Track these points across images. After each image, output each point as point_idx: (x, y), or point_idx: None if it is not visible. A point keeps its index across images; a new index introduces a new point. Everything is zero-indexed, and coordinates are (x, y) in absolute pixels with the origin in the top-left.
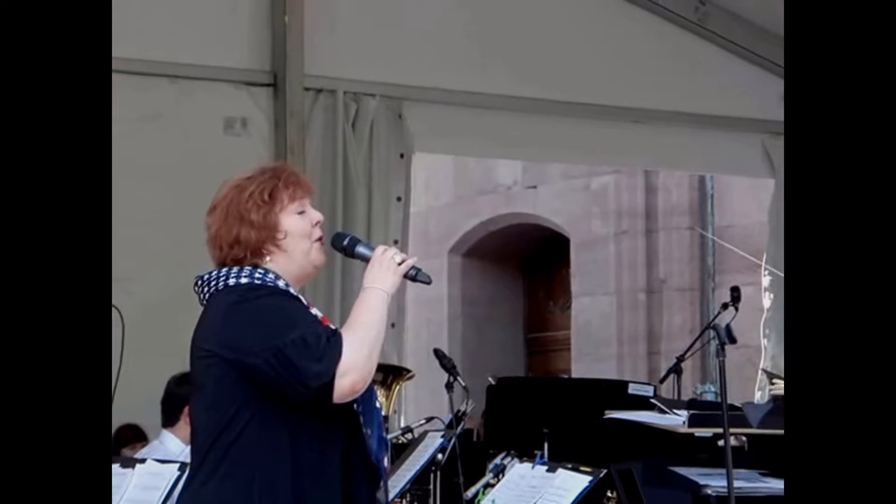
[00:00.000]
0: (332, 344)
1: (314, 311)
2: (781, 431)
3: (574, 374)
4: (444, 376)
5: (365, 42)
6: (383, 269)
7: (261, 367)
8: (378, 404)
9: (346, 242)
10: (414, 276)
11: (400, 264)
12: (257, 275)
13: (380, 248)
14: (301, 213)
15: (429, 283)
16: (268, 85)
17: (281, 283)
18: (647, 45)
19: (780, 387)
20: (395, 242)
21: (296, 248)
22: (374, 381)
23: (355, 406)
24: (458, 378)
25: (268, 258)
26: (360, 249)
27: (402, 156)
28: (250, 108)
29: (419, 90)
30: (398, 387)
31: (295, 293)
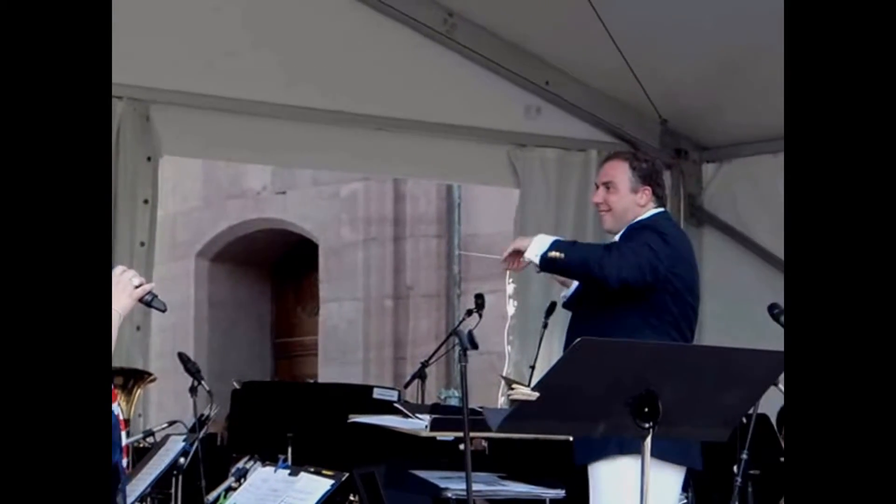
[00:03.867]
0: None
1: None
2: (521, 436)
3: (321, 379)
4: (189, 380)
5: (112, 44)
6: (118, 290)
7: None
8: (114, 406)
9: None
10: (150, 301)
11: (137, 287)
12: None
13: (119, 268)
14: None
15: (163, 310)
16: None
17: None
18: (396, 55)
19: (518, 392)
20: (142, 245)
21: None
22: (114, 385)
23: None
24: (203, 382)
25: None
26: None
27: (149, 159)
28: None
29: (167, 93)
30: (139, 390)
31: None
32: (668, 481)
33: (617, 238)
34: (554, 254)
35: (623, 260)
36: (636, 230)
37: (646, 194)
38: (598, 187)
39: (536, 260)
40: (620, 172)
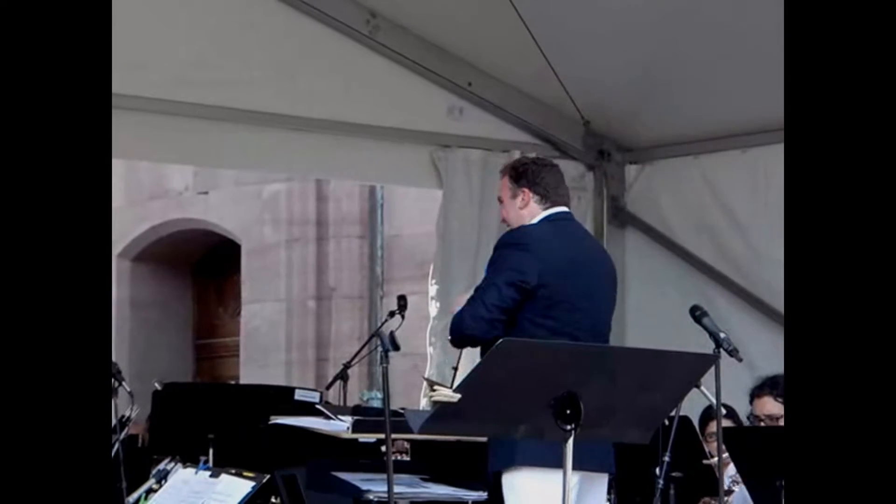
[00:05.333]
0: None
1: None
2: (443, 438)
3: (242, 381)
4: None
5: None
6: None
7: None
8: None
9: None
10: None
11: None
12: None
13: None
14: None
15: None
16: None
17: None
18: (318, 56)
19: (440, 393)
20: None
21: None
22: None
23: None
24: (123, 383)
25: None
26: None
27: None
28: None
29: None
30: None
31: None
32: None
33: None
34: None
35: (465, 320)
36: (496, 249)
37: (524, 197)
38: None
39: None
40: (503, 186)
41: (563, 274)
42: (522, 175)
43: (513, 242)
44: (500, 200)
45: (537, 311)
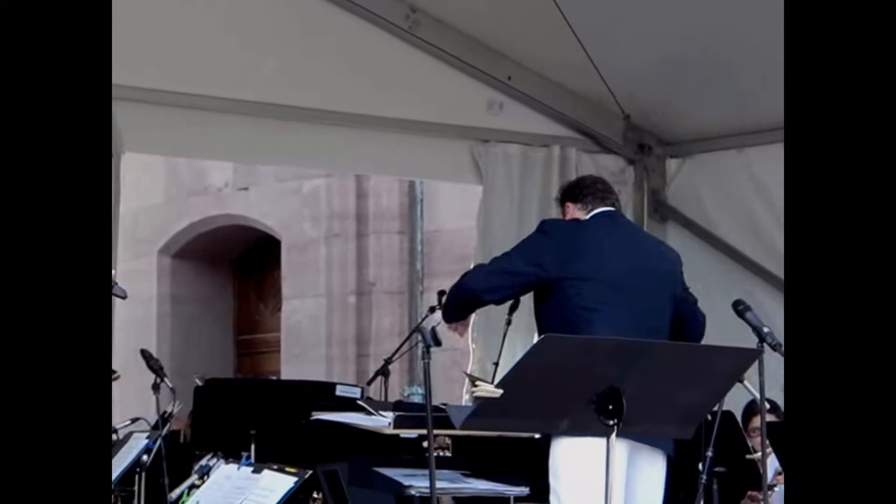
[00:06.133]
0: None
1: None
2: (484, 433)
3: (283, 376)
4: (152, 377)
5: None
6: None
7: None
8: None
9: None
10: None
11: None
12: None
13: None
14: None
15: (123, 297)
16: None
17: None
18: (358, 51)
19: (482, 389)
20: None
21: None
22: None
23: None
24: (165, 379)
25: None
26: None
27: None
28: None
29: (129, 89)
30: None
31: None
32: (644, 465)
33: None
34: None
35: (467, 273)
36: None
37: (567, 211)
38: None
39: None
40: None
41: (589, 259)
42: (563, 195)
43: (535, 231)
44: None
45: (569, 296)
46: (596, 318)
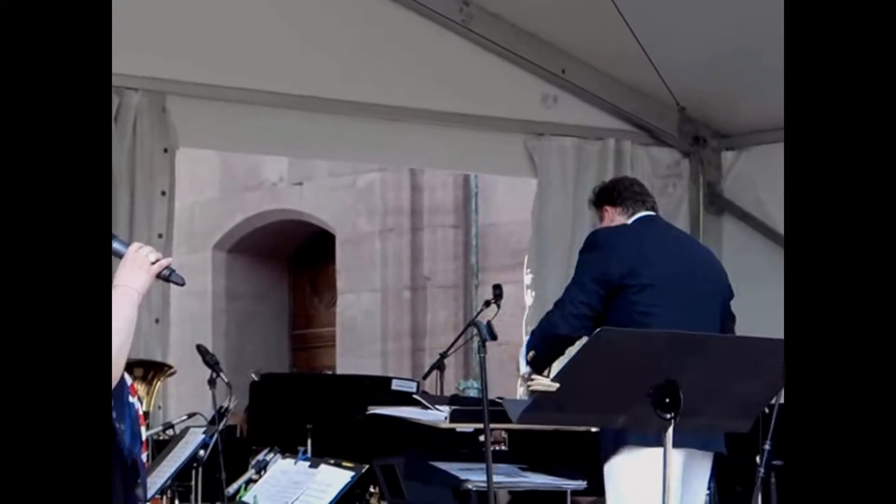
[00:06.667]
0: None
1: None
2: (541, 427)
3: (339, 371)
4: (208, 372)
5: (127, 35)
6: (136, 267)
7: None
8: (133, 400)
9: None
10: (167, 276)
11: (154, 263)
12: None
13: (134, 245)
14: None
15: (182, 284)
16: None
17: None
18: (412, 45)
19: (538, 383)
20: (160, 237)
21: None
22: (133, 377)
23: None
24: (221, 374)
25: None
26: (115, 245)
27: (165, 150)
28: None
29: (183, 84)
30: (159, 382)
31: None
32: (695, 468)
33: None
34: (531, 355)
35: (554, 320)
36: (579, 255)
37: (606, 215)
38: None
39: (527, 369)
40: (594, 215)
41: (645, 264)
42: (599, 198)
43: (587, 247)
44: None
45: (627, 302)
46: (652, 321)
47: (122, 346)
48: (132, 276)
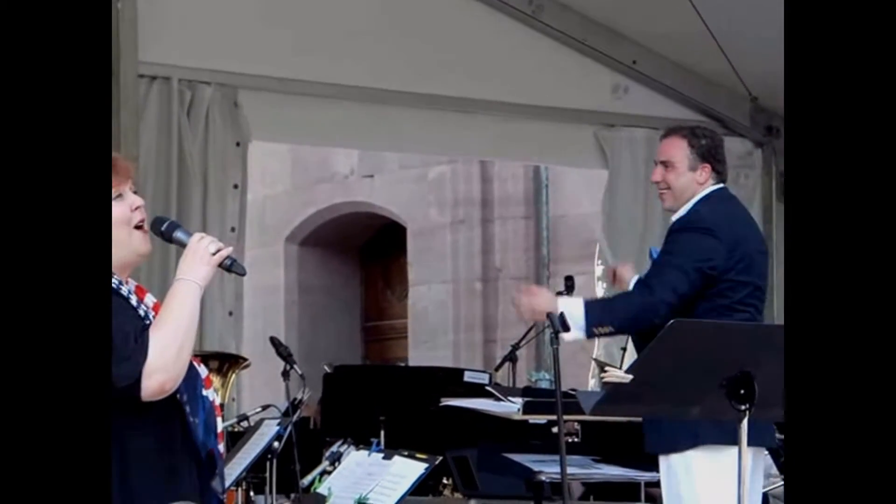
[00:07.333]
0: (139, 344)
1: (148, 298)
2: (614, 419)
3: (411, 362)
4: (281, 364)
5: (200, 29)
6: (196, 260)
7: None
8: (208, 392)
9: (164, 227)
10: (229, 266)
11: (214, 254)
12: None
13: (196, 236)
14: (118, 197)
15: (243, 274)
16: None
17: None
18: (482, 37)
19: (611, 374)
20: (233, 230)
21: (115, 236)
22: (208, 370)
23: (179, 395)
24: (295, 366)
25: None
26: (178, 235)
27: (238, 144)
28: None
29: (255, 78)
30: (234, 375)
31: (115, 284)
32: (755, 466)
33: (675, 218)
34: (601, 329)
35: (659, 308)
36: (675, 233)
37: (705, 172)
38: (656, 165)
39: (581, 335)
40: (678, 150)
41: (745, 256)
42: (709, 151)
43: (694, 227)
44: (667, 164)
45: (716, 293)
46: (734, 316)
47: (184, 338)
48: (193, 268)
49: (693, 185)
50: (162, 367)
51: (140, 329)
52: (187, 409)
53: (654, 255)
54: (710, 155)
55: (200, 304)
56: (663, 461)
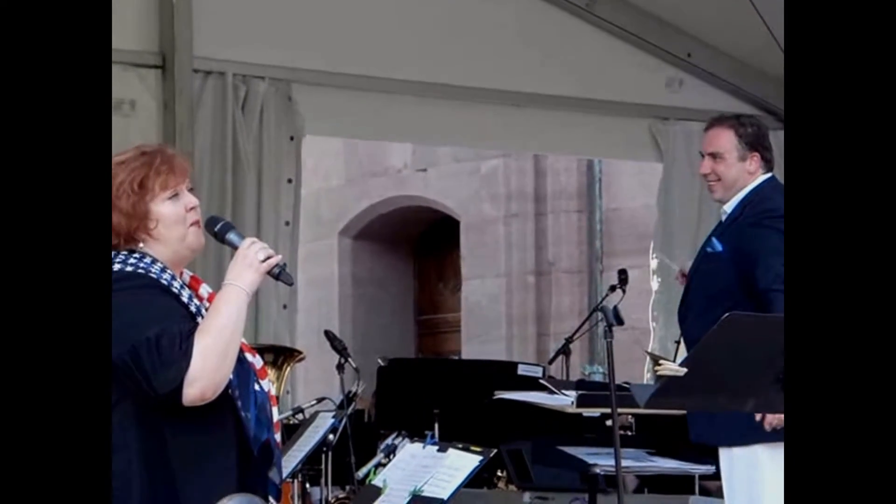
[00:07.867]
0: (183, 350)
1: (203, 288)
2: (668, 412)
3: (464, 356)
4: (335, 357)
5: (254, 24)
6: (245, 266)
7: (115, 362)
8: (263, 383)
9: (217, 227)
10: (277, 274)
11: (264, 261)
12: (131, 260)
13: (247, 241)
14: (174, 196)
15: (290, 283)
16: (156, 67)
17: (156, 268)
18: (535, 31)
19: (665, 368)
20: (287, 224)
21: (169, 234)
22: (264, 362)
23: (230, 391)
24: (349, 359)
25: (141, 244)
26: (230, 237)
27: (291, 138)
28: (139, 90)
29: (309, 73)
30: (289, 367)
31: (167, 281)
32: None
33: (729, 209)
34: None
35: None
36: (766, 218)
37: (755, 161)
38: (703, 157)
39: None
40: (726, 140)
41: None
42: (756, 139)
43: (779, 216)
44: (715, 156)
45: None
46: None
47: (228, 344)
48: (242, 274)
49: (744, 175)
50: (202, 376)
51: (187, 332)
52: (239, 403)
53: (718, 248)
54: (758, 143)
55: (255, 298)
56: (725, 453)
